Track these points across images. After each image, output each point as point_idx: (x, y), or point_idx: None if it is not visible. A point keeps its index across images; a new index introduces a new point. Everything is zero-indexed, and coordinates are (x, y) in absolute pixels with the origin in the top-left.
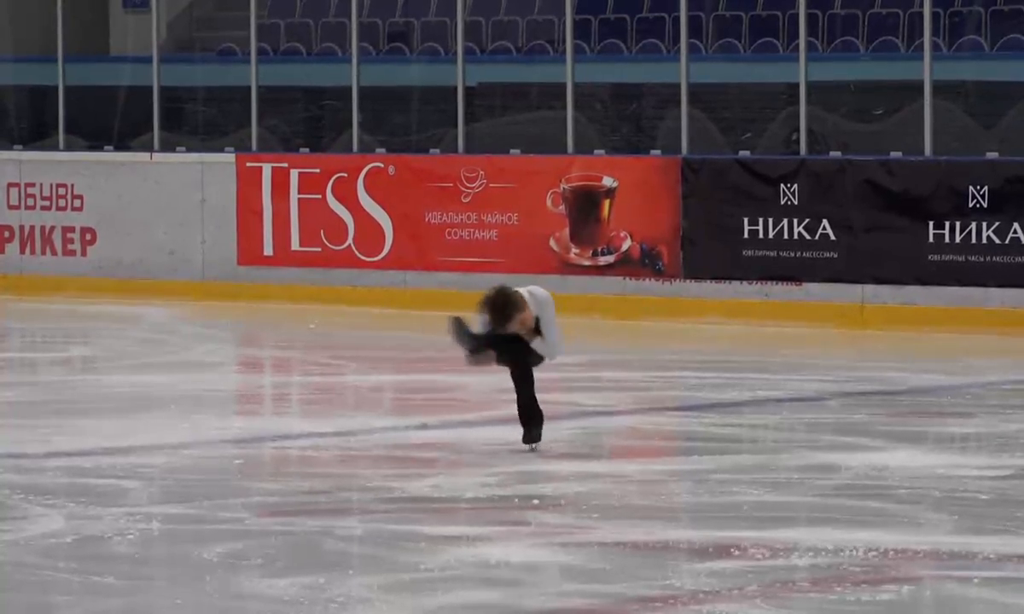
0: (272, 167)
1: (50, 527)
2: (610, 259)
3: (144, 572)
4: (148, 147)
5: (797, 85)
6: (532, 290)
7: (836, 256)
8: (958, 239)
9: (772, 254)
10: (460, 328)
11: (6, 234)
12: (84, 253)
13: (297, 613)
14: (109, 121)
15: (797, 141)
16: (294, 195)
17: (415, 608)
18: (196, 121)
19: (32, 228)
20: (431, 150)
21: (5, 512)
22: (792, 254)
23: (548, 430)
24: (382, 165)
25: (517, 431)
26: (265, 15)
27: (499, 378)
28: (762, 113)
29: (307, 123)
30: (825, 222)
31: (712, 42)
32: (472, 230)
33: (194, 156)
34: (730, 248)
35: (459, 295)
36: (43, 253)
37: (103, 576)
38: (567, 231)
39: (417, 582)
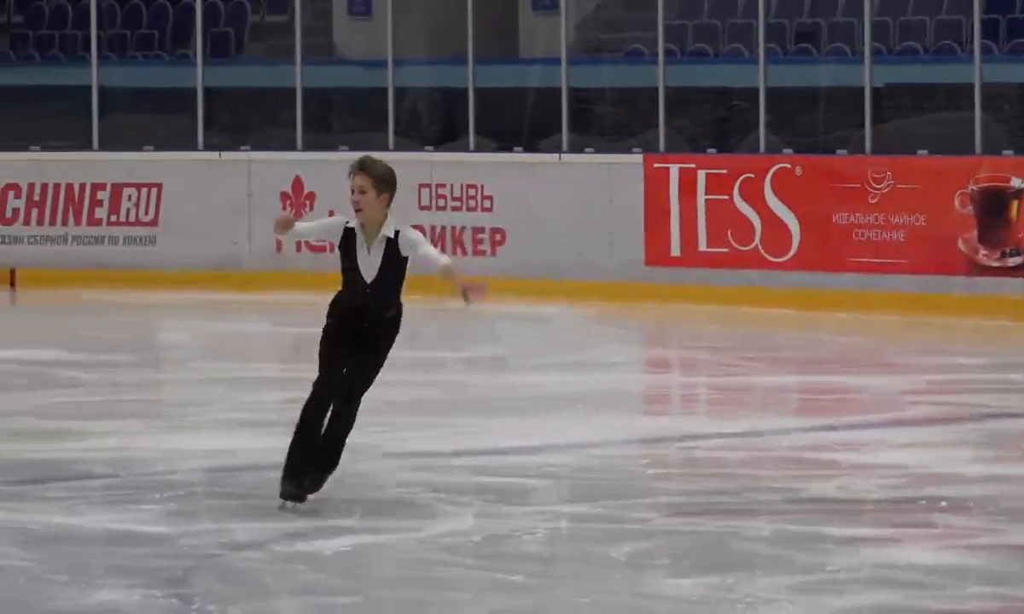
0: (679, 168)
1: (459, 525)
2: (1019, 260)
3: (551, 571)
4: (556, 148)
5: None
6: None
7: None
8: None
9: None
10: None
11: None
12: (494, 253)
13: (703, 610)
14: (518, 122)
15: None
16: (701, 196)
17: (820, 608)
18: (604, 122)
19: (442, 229)
20: (838, 151)
21: (415, 510)
22: None
23: (955, 431)
24: (789, 166)
25: (920, 433)
26: (672, 16)
27: (902, 379)
28: None
29: (714, 124)
30: None
31: None
32: (879, 231)
33: (602, 157)
34: None
35: (866, 296)
36: (453, 253)
37: (510, 574)
38: (975, 232)
39: (822, 583)
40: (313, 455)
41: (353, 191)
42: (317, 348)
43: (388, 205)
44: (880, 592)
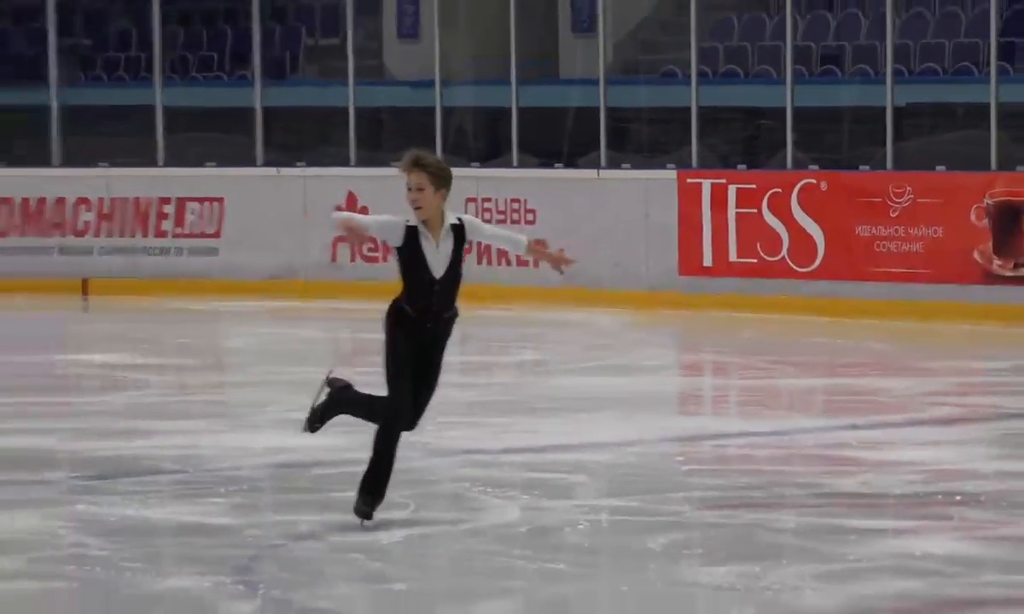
0: (711, 183)
1: (506, 518)
2: None
3: (592, 561)
4: (595, 165)
5: None
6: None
7: None
8: None
9: None
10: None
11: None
12: (535, 264)
13: (733, 599)
14: (559, 140)
15: None
16: (732, 209)
17: (843, 596)
18: (640, 140)
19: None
20: (861, 167)
21: (466, 503)
22: None
23: (970, 431)
24: (815, 181)
25: (938, 432)
26: (705, 39)
27: (921, 382)
28: None
29: (744, 142)
30: None
31: None
32: (900, 243)
33: (638, 173)
34: None
35: (887, 304)
36: (498, 264)
37: (554, 563)
38: (990, 244)
39: (845, 572)
40: (390, 472)
41: (410, 188)
42: (382, 357)
43: (444, 200)
44: (900, 581)
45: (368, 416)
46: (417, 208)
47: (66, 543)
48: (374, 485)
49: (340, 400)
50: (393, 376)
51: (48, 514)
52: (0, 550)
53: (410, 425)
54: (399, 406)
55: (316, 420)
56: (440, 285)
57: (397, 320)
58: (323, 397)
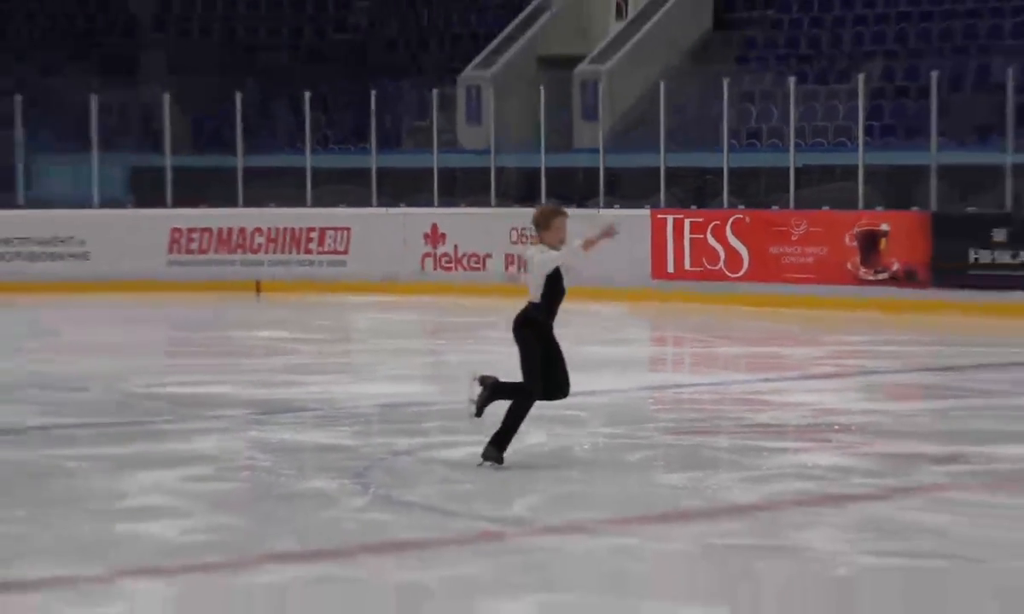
0: (673, 218)
1: (536, 440)
2: (885, 276)
3: (590, 469)
4: (596, 206)
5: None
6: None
7: None
8: None
9: (994, 273)
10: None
11: (510, 260)
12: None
13: (685, 495)
14: (572, 189)
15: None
16: (687, 235)
17: (760, 493)
18: (626, 189)
19: (519, 257)
20: (773, 207)
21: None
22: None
23: (845, 382)
24: (742, 217)
25: (823, 383)
26: (671, 123)
27: (812, 350)
28: (984, 180)
29: (695, 191)
30: None
31: (967, 133)
32: (798, 257)
33: (625, 211)
34: (961, 268)
35: (790, 298)
36: (526, 272)
37: (567, 471)
38: (858, 258)
39: (761, 477)
40: (515, 433)
41: (562, 229)
42: (521, 353)
43: None
44: (798, 483)
45: (511, 396)
46: (563, 242)
47: (241, 457)
48: (503, 441)
49: (495, 390)
50: (530, 368)
51: (228, 437)
52: (197, 462)
53: (565, 392)
54: (533, 390)
55: (480, 407)
56: (565, 294)
57: (529, 324)
58: (480, 391)
